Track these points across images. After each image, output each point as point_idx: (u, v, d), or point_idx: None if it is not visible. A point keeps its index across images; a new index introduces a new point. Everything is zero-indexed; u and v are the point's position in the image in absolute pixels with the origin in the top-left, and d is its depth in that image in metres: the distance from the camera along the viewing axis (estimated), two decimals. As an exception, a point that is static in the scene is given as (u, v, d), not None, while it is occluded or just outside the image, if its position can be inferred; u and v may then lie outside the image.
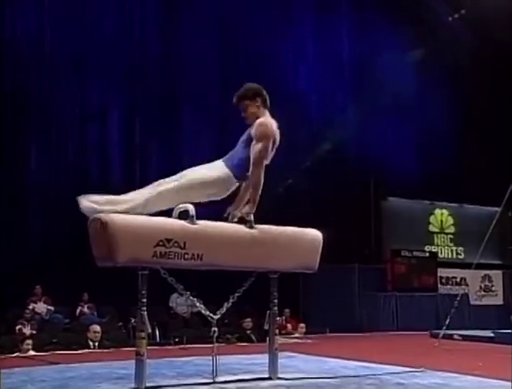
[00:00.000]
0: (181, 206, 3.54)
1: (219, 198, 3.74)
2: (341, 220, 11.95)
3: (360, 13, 13.80)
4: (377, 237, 13.44)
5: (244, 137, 3.77)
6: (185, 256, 3.40)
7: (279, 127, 3.80)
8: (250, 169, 3.63)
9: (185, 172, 3.65)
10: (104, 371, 4.42)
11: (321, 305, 11.49)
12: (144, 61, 11.59)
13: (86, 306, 9.76)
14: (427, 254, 13.35)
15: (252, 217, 3.66)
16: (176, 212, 3.57)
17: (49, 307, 9.49)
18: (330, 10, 13.36)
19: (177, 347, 8.41)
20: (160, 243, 3.30)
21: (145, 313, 3.39)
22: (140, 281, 3.41)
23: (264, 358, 4.11)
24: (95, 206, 3.40)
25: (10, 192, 10.24)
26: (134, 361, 3.41)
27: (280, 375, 3.96)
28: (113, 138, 11.27)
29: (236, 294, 3.82)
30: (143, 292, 3.41)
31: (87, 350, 7.73)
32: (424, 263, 12.97)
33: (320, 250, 3.95)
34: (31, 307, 9.30)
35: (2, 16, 10.53)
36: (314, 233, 3.98)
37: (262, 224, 3.75)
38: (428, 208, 14.16)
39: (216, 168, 3.67)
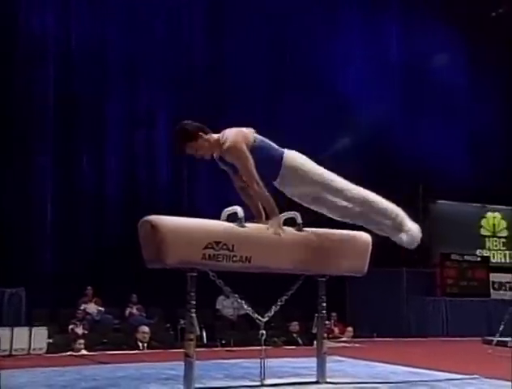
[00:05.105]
0: (229, 208, 3.56)
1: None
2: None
3: (409, 13, 13.60)
4: (425, 241, 13.11)
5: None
6: (234, 258, 3.40)
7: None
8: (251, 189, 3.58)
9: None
10: (153, 372, 4.48)
11: (368, 310, 11.33)
12: (192, 66, 11.74)
13: (135, 308, 9.90)
14: (478, 259, 12.96)
15: (300, 220, 3.64)
16: (224, 215, 3.58)
17: (100, 308, 9.69)
18: (378, 10, 13.22)
19: (224, 349, 8.47)
20: (209, 245, 3.32)
21: (194, 315, 3.41)
22: (189, 283, 3.43)
23: (311, 362, 4.09)
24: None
25: (64, 195, 10.53)
26: (182, 362, 3.43)
27: (328, 379, 3.92)
28: (160, 142, 11.43)
29: (284, 297, 3.80)
30: (192, 294, 3.42)
31: (135, 351, 7.88)
32: (475, 268, 12.63)
33: (369, 254, 3.90)
34: (82, 307, 9.51)
35: (60, 26, 10.86)
36: (364, 236, 3.93)
37: (310, 227, 3.72)
38: (479, 211, 13.74)
39: None
